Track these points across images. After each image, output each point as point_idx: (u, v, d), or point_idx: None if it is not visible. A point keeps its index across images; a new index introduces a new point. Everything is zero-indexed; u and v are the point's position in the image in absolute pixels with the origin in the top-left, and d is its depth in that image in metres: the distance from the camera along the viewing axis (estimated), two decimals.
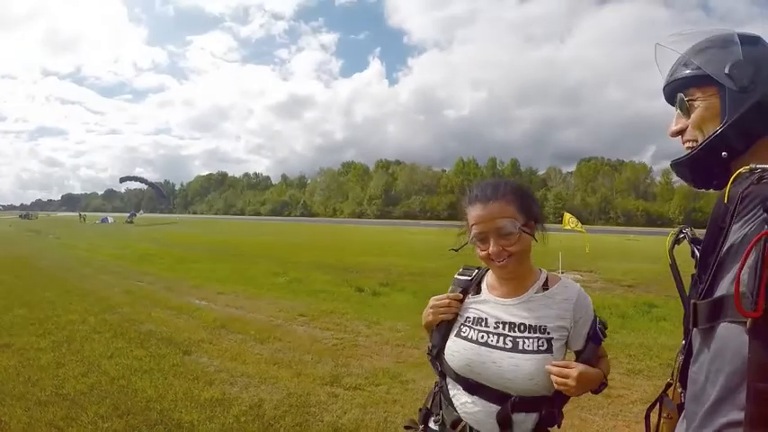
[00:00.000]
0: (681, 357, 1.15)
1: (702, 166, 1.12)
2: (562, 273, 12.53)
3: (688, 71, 1.15)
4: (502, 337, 1.51)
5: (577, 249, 18.52)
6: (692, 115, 1.14)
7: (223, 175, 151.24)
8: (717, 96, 1.09)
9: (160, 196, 73.82)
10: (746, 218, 0.93)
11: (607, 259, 17.84)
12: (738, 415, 0.86)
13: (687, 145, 1.16)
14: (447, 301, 1.65)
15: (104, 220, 56.77)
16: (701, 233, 1.15)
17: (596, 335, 1.55)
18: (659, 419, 1.28)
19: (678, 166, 1.18)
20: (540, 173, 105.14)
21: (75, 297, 8.75)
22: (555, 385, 1.44)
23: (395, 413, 4.02)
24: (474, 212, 1.54)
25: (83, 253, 18.25)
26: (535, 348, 1.47)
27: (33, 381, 4.51)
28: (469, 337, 1.57)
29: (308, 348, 5.88)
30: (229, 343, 5.97)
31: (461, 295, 1.66)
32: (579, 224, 15.80)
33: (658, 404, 1.32)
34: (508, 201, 1.52)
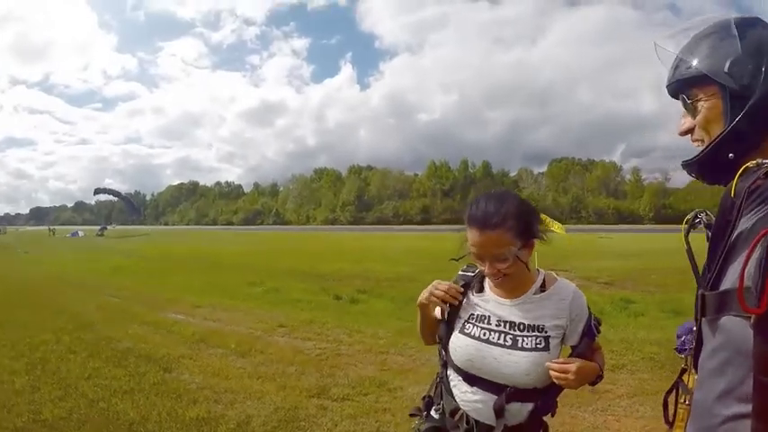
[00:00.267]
0: (693, 346, 1.15)
1: (711, 166, 1.12)
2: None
3: (688, 71, 1.13)
4: (503, 335, 1.61)
5: (553, 248, 18.72)
6: (698, 117, 1.13)
7: (195, 185, 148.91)
8: (718, 95, 1.08)
9: (132, 209, 72.24)
10: (753, 212, 0.95)
11: (581, 257, 18.11)
12: (744, 407, 0.88)
13: (696, 144, 1.17)
14: (446, 290, 1.69)
15: (74, 234, 55.24)
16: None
17: (591, 330, 1.66)
18: (676, 405, 1.30)
19: (688, 166, 1.18)
20: (512, 174, 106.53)
21: (47, 315, 8.43)
22: (555, 380, 1.54)
23: (386, 422, 3.96)
24: (472, 235, 1.59)
25: (54, 268, 17.69)
26: (533, 346, 1.58)
27: (9, 406, 4.28)
28: (473, 333, 1.66)
29: (291, 360, 5.78)
30: (210, 358, 5.82)
31: (462, 288, 1.72)
32: (555, 223, 15.99)
33: (675, 390, 1.34)
34: (507, 228, 1.55)
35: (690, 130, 1.18)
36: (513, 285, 1.66)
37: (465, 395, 1.66)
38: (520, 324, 1.62)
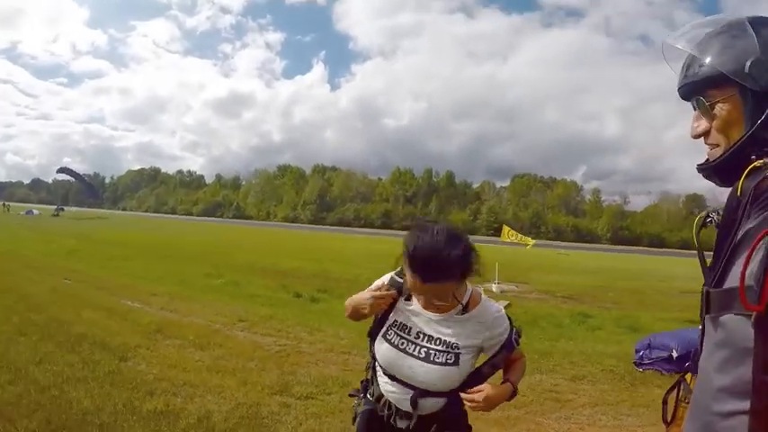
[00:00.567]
0: (699, 344, 1.16)
1: (730, 169, 1.07)
2: (498, 283, 12.87)
3: (704, 71, 1.09)
4: (418, 347, 1.77)
5: (513, 261, 19.08)
6: (715, 120, 1.10)
7: (156, 171, 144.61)
8: (737, 96, 1.05)
9: (91, 192, 69.29)
10: (759, 211, 0.95)
11: (541, 271, 18.56)
12: (742, 404, 0.90)
13: (711, 149, 1.14)
14: (384, 299, 1.83)
15: (29, 213, 52.64)
16: None
17: (510, 344, 1.81)
18: (677, 403, 1.32)
19: (704, 170, 1.16)
20: (475, 186, 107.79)
21: None
22: (467, 407, 1.76)
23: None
24: (412, 281, 1.67)
25: (5, 246, 16.67)
26: (443, 361, 1.74)
27: None
28: (393, 341, 1.82)
29: (250, 355, 5.66)
30: (167, 349, 5.61)
31: (397, 295, 1.85)
32: (520, 236, 16.33)
33: (676, 388, 1.36)
34: (450, 278, 1.64)
35: (704, 134, 1.14)
36: None
37: (386, 386, 1.84)
38: (437, 339, 1.76)
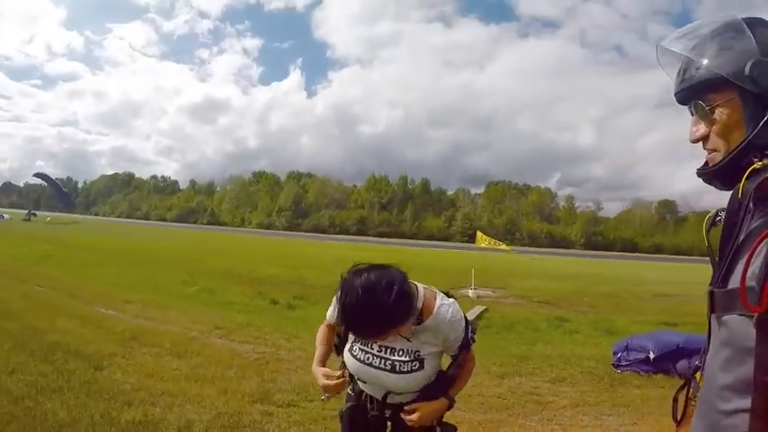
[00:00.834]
0: (706, 342, 1.16)
1: (731, 173, 1.06)
2: (474, 289, 12.98)
3: (702, 75, 1.08)
4: (383, 360, 1.85)
5: (489, 267, 19.21)
6: (716, 125, 1.08)
7: (129, 176, 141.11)
8: (737, 99, 1.04)
9: (64, 199, 66.93)
10: (760, 212, 0.96)
11: (516, 277, 18.73)
12: (743, 402, 0.91)
13: (710, 154, 1.13)
14: (335, 387, 1.96)
15: (0, 217, 50.85)
16: None
17: (467, 343, 1.91)
18: (686, 401, 1.31)
19: (704, 175, 1.14)
20: (450, 193, 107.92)
21: None
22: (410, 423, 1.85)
23: (336, 430, 3.81)
24: (350, 330, 1.89)
25: None
26: (409, 369, 1.84)
27: None
28: (358, 356, 1.91)
29: (229, 363, 5.57)
30: (143, 357, 5.48)
31: (346, 381, 1.98)
32: (494, 241, 16.48)
33: (687, 388, 1.34)
34: (383, 334, 1.76)
35: (703, 138, 1.13)
36: None
37: (361, 385, 1.98)
38: (399, 350, 1.85)
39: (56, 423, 3.55)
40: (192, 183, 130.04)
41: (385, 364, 1.85)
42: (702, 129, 1.12)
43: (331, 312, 2.04)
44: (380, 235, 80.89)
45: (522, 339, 7.81)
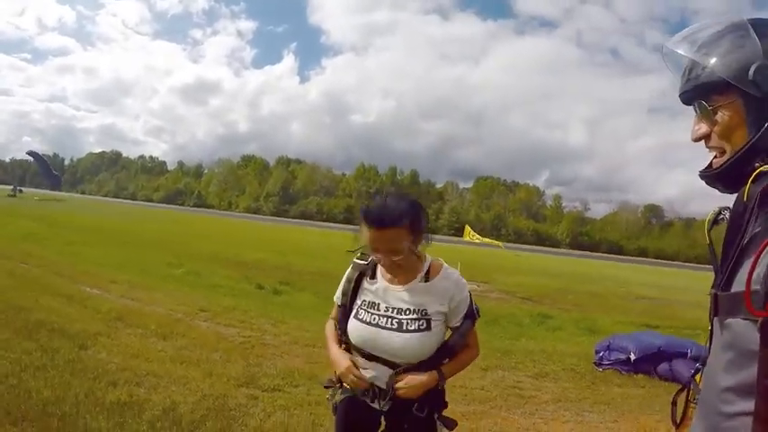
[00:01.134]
0: (708, 344, 1.15)
1: (733, 176, 1.06)
2: None
3: (706, 76, 1.07)
4: (390, 319, 1.85)
5: (475, 262, 19.31)
6: (717, 126, 1.08)
7: (117, 155, 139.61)
8: (740, 101, 1.03)
9: (51, 178, 65.54)
10: (766, 216, 0.95)
11: (502, 272, 18.83)
12: (746, 405, 0.91)
13: (713, 153, 1.13)
14: (352, 379, 1.89)
15: None
16: None
17: (472, 313, 1.93)
18: (686, 403, 1.30)
19: (707, 177, 1.14)
20: (438, 186, 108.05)
21: None
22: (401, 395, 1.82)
23: (321, 415, 3.87)
24: (369, 234, 1.80)
25: None
26: (416, 328, 1.83)
27: None
28: (364, 319, 1.89)
29: (214, 346, 5.57)
30: (129, 338, 5.45)
31: (364, 378, 1.88)
32: (476, 236, 16.55)
33: (686, 390, 1.34)
34: (401, 225, 1.78)
35: (705, 137, 1.12)
36: (402, 272, 1.90)
37: (365, 371, 1.89)
38: (406, 309, 1.86)
39: (40, 401, 3.51)
40: (180, 164, 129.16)
41: (392, 323, 1.84)
42: (704, 128, 1.11)
43: (338, 295, 2.05)
44: None
45: (505, 334, 7.88)
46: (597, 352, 6.28)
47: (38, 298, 6.74)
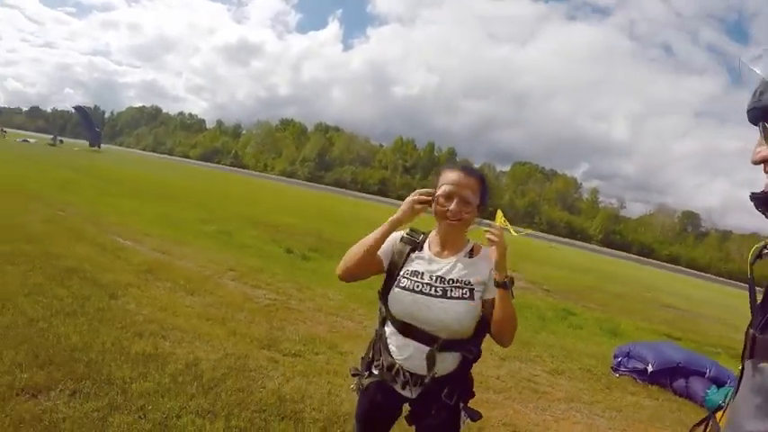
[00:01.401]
0: (737, 384, 1.12)
1: None
2: None
3: None
4: (433, 287, 1.87)
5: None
6: None
7: (157, 111, 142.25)
8: None
9: (92, 133, 66.86)
10: None
11: (530, 261, 18.61)
12: None
13: None
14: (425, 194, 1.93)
15: (24, 141, 51.21)
16: None
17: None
18: None
19: (757, 200, 1.09)
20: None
21: None
22: (489, 236, 1.85)
23: (338, 385, 3.94)
24: (451, 175, 1.91)
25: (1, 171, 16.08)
26: (460, 296, 1.86)
27: None
28: (407, 286, 1.91)
29: (240, 306, 5.70)
30: (158, 290, 5.62)
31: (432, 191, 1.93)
32: (506, 222, 16.30)
33: (704, 425, 1.32)
34: (478, 182, 1.92)
35: (764, 161, 1.08)
36: (450, 245, 1.96)
37: (399, 349, 1.92)
38: (449, 279, 1.89)
39: (68, 346, 3.63)
40: (219, 123, 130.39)
41: (436, 291, 1.86)
42: (765, 152, 1.07)
43: (393, 236, 2.03)
44: (400, 198, 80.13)
45: (527, 325, 7.79)
46: (616, 357, 6.19)
47: (72, 246, 6.96)
